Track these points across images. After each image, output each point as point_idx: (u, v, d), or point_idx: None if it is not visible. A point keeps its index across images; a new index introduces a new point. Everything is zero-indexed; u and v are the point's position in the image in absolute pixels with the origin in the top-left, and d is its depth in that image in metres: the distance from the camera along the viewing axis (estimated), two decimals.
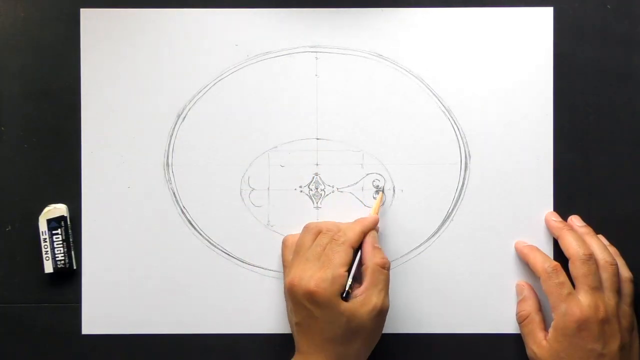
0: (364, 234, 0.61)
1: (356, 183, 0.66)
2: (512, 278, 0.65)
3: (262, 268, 0.65)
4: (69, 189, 0.65)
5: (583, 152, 0.65)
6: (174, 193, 0.66)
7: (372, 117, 0.65)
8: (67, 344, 0.65)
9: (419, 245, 0.65)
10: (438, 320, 0.65)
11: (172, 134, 0.66)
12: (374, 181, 0.66)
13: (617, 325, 0.59)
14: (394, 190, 0.66)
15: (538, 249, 0.64)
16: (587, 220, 0.65)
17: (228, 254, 0.65)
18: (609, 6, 0.65)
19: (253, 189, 0.66)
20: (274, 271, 0.65)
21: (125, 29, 0.66)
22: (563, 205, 0.65)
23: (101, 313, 0.65)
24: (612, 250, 0.63)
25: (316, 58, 0.66)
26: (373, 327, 0.59)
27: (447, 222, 0.65)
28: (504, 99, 0.65)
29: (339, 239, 0.59)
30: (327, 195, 0.66)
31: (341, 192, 0.66)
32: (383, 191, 0.65)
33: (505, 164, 0.65)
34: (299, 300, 0.58)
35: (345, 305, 0.57)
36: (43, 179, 0.65)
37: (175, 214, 0.66)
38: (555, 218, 0.64)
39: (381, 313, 0.59)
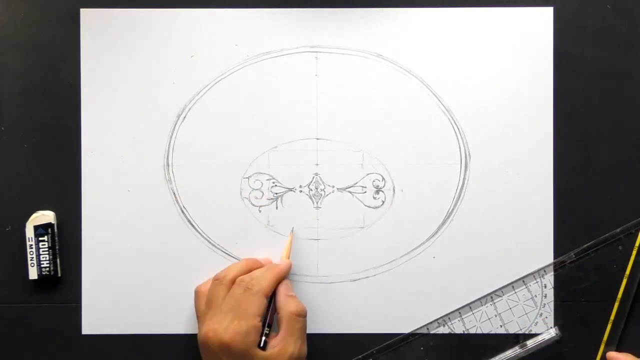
0: (278, 282, 0.61)
1: (356, 183, 0.66)
2: (512, 278, 0.65)
3: None
4: (69, 188, 0.65)
5: (583, 152, 0.65)
6: (174, 193, 0.66)
7: (372, 117, 0.65)
8: (67, 344, 0.65)
9: (419, 245, 0.65)
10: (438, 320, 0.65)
11: (172, 134, 0.66)
12: (374, 181, 0.66)
13: None
14: (394, 190, 0.66)
15: None
16: (587, 220, 0.65)
17: (228, 254, 0.65)
18: (609, 6, 0.65)
19: (253, 189, 0.66)
20: None
21: (125, 29, 0.66)
22: (563, 205, 0.65)
23: (101, 313, 0.65)
24: None
25: (316, 58, 0.66)
26: None
27: (447, 222, 0.65)
28: (504, 98, 0.65)
29: (252, 288, 0.59)
30: (327, 195, 0.66)
31: (341, 192, 0.66)
32: (292, 231, 0.65)
33: (505, 164, 0.65)
34: (215, 353, 0.58)
35: (261, 356, 0.57)
36: (43, 179, 0.65)
37: (175, 214, 0.66)
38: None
39: None
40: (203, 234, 0.65)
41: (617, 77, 0.65)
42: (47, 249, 0.64)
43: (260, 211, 0.66)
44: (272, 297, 0.61)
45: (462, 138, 0.65)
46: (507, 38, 0.65)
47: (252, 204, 0.66)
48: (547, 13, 0.65)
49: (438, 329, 0.65)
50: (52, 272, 0.64)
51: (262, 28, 0.66)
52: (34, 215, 0.65)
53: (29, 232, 0.64)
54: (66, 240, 0.65)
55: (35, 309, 0.65)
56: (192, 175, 0.66)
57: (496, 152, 0.65)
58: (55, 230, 0.65)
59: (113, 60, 0.66)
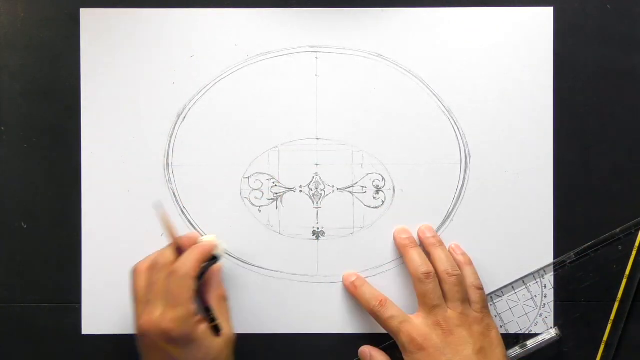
0: (201, 261, 0.60)
1: (356, 183, 0.66)
2: (512, 278, 0.65)
3: (262, 268, 0.65)
4: (69, 189, 0.65)
5: (583, 152, 0.65)
6: (174, 193, 0.66)
7: (372, 117, 0.65)
8: (67, 344, 0.65)
9: (419, 245, 0.65)
10: None
11: (172, 134, 0.66)
12: (374, 181, 0.66)
13: (467, 332, 0.60)
14: (394, 190, 0.66)
15: (366, 284, 0.64)
16: (587, 220, 0.65)
17: (228, 254, 0.65)
18: (609, 6, 0.65)
19: (253, 189, 0.66)
20: (274, 271, 0.65)
21: (125, 29, 0.66)
22: (563, 205, 0.65)
23: (101, 313, 0.65)
24: (464, 259, 0.63)
25: (316, 58, 0.66)
26: (226, 357, 0.60)
27: (447, 222, 0.65)
28: (504, 99, 0.65)
29: (178, 272, 0.58)
30: (327, 195, 0.66)
31: (341, 192, 0.66)
32: (159, 207, 0.64)
33: (505, 164, 0.65)
34: (154, 343, 0.57)
35: (203, 338, 0.58)
36: (43, 179, 0.65)
37: (175, 214, 0.65)
38: (404, 235, 0.64)
39: (231, 343, 0.60)
40: (203, 234, 0.65)
41: (617, 77, 0.65)
42: None
43: (260, 211, 0.66)
44: (199, 278, 0.60)
45: (462, 138, 0.65)
46: (507, 38, 0.65)
47: (252, 204, 0.66)
48: (547, 13, 0.65)
49: None
50: None
51: (262, 28, 0.66)
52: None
53: None
54: (66, 240, 0.65)
55: (35, 309, 0.65)
56: (192, 175, 0.66)
57: (496, 152, 0.65)
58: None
59: (113, 60, 0.66)
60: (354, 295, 0.64)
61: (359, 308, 0.65)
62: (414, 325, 0.60)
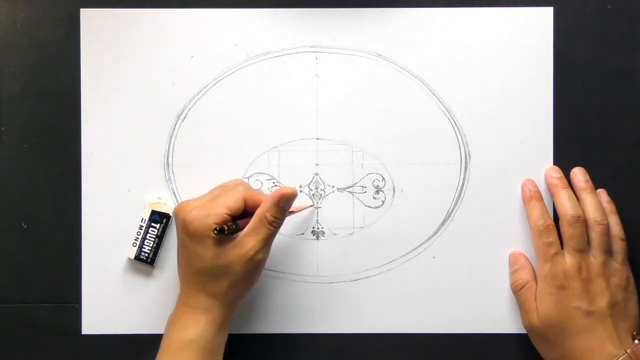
0: (271, 198, 0.58)
1: (356, 183, 0.66)
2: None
3: None
4: (69, 189, 0.65)
5: (583, 152, 0.65)
6: (174, 193, 0.66)
7: (372, 117, 0.65)
8: (67, 344, 0.65)
9: (419, 245, 0.65)
10: (438, 320, 0.65)
11: (172, 134, 0.66)
12: (374, 181, 0.66)
13: (605, 283, 0.60)
14: (394, 190, 0.66)
15: (540, 202, 0.64)
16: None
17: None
18: (609, 6, 0.65)
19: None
20: (274, 271, 0.65)
21: (125, 29, 0.66)
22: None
23: (101, 313, 0.65)
24: (610, 207, 0.63)
25: (316, 58, 0.66)
26: (243, 272, 0.58)
27: (447, 222, 0.65)
28: (504, 99, 0.65)
29: (237, 186, 0.60)
30: (327, 195, 0.66)
31: (341, 192, 0.66)
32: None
33: (505, 164, 0.65)
34: (178, 226, 0.59)
35: (215, 241, 0.57)
36: (43, 179, 0.65)
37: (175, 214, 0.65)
38: (555, 174, 0.64)
39: (252, 261, 0.58)
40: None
41: (617, 77, 0.65)
42: (154, 237, 0.65)
43: None
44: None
45: (462, 138, 0.65)
46: (507, 38, 0.65)
47: None
48: (547, 13, 0.65)
49: (438, 329, 0.65)
50: (148, 260, 0.65)
51: (262, 28, 0.66)
52: (156, 200, 0.65)
53: (145, 214, 0.65)
54: (66, 240, 0.65)
55: (35, 309, 0.65)
56: (192, 175, 0.66)
57: (496, 152, 0.65)
58: (169, 222, 0.65)
59: (113, 60, 0.66)
60: (526, 204, 0.64)
61: (359, 308, 0.65)
62: (563, 262, 0.60)
